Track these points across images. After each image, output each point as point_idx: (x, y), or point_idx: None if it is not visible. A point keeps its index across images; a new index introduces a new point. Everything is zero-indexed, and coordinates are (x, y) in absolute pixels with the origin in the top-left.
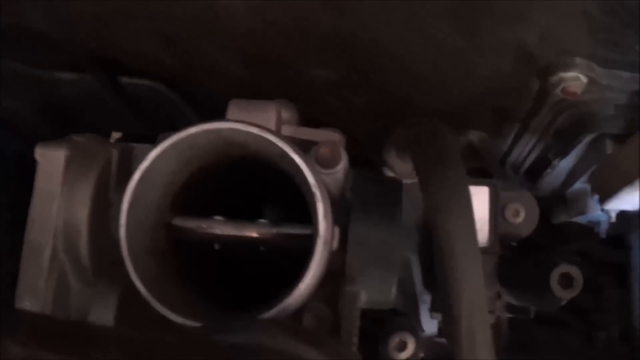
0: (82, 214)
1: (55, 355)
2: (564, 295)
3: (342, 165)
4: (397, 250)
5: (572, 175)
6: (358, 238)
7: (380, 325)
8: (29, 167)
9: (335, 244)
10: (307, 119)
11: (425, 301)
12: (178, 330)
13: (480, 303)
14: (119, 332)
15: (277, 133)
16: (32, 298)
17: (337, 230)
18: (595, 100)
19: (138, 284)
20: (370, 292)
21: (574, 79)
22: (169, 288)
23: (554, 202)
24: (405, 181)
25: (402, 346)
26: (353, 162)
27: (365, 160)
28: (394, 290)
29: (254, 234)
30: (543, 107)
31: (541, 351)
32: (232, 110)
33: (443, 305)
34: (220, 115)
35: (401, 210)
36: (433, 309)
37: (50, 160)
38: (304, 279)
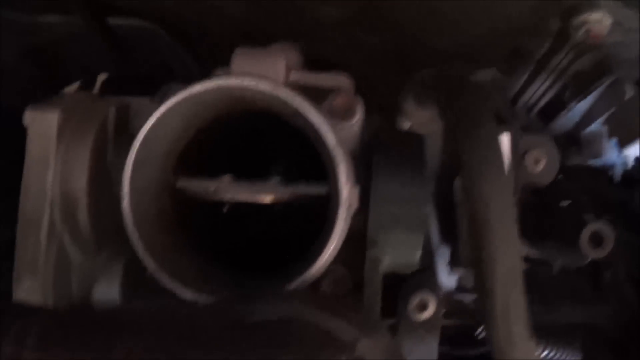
0: (80, 181)
1: (69, 353)
2: (595, 255)
3: (359, 116)
4: (422, 209)
5: (588, 117)
6: (381, 199)
7: (397, 280)
8: (18, 121)
9: (356, 204)
10: (312, 59)
11: (443, 254)
12: (197, 307)
13: (516, 277)
14: (136, 313)
15: (291, 90)
16: (31, 276)
17: (356, 190)
18: (618, 43)
19: (146, 258)
20: (394, 255)
21: (598, 20)
22: (178, 259)
23: (567, 143)
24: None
25: (423, 306)
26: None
27: (376, 104)
28: (419, 253)
29: (267, 198)
30: (563, 48)
31: (544, 290)
32: (238, 60)
33: (476, 278)
34: (217, 58)
35: (425, 167)
36: (452, 263)
37: (42, 124)
38: (325, 249)
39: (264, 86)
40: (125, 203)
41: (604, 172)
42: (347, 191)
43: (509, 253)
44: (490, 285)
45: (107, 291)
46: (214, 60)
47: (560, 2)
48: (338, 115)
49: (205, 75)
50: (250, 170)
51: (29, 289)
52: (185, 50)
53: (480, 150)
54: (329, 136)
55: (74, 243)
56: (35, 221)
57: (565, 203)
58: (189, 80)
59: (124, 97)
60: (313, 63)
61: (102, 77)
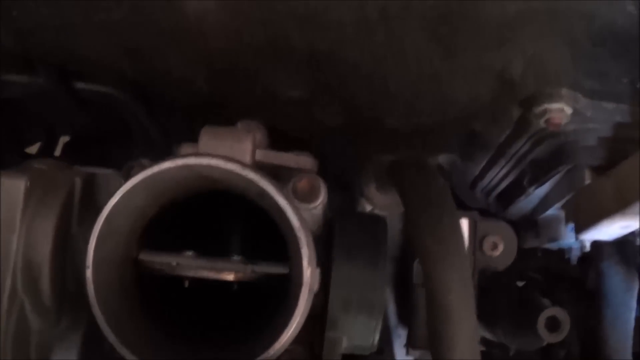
0: (43, 249)
1: None
2: (551, 339)
3: (322, 199)
4: (382, 292)
5: (546, 202)
6: (341, 282)
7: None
8: None
9: (317, 286)
10: (275, 138)
11: (399, 335)
12: None
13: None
14: None
15: (257, 172)
16: None
17: (317, 271)
18: (577, 131)
19: (106, 330)
20: (352, 337)
21: (559, 110)
22: (138, 331)
23: (524, 227)
24: (381, 213)
25: None
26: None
27: (337, 183)
28: (377, 336)
29: (229, 276)
30: (522, 135)
31: None
32: (205, 139)
33: (435, 356)
34: (182, 127)
35: (386, 249)
36: (409, 344)
37: (9, 190)
38: (286, 330)
39: (232, 167)
40: (89, 274)
41: (561, 254)
42: (309, 274)
43: (468, 339)
44: None
45: (65, 358)
46: (176, 130)
47: (520, 91)
48: (301, 197)
49: (168, 143)
50: (213, 247)
51: None
52: (148, 118)
53: (441, 234)
54: (294, 218)
55: (34, 310)
56: None
57: (520, 283)
58: (149, 146)
59: (91, 168)
60: (277, 139)
61: (64, 140)
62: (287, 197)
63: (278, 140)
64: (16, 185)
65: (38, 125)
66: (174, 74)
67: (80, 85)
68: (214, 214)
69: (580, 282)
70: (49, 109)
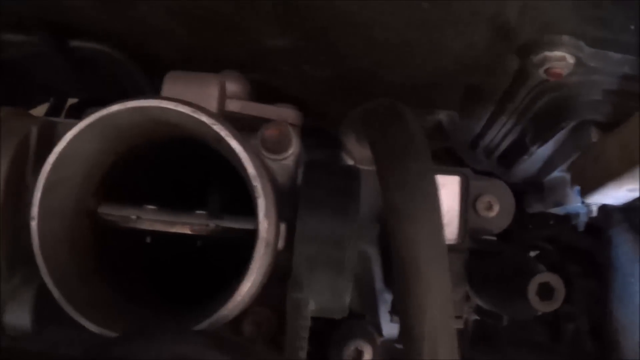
0: None
1: None
2: (544, 308)
3: (293, 150)
4: (352, 249)
5: (551, 163)
6: (306, 236)
7: (332, 326)
8: None
9: (281, 243)
10: (261, 92)
11: (385, 301)
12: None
13: (445, 324)
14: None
15: (212, 113)
16: None
17: (283, 227)
18: (581, 84)
19: (50, 284)
20: (319, 299)
21: (560, 59)
22: (88, 288)
23: (529, 190)
24: (364, 168)
25: (358, 355)
26: (315, 142)
27: (327, 141)
28: (347, 298)
29: (187, 230)
30: (522, 88)
31: (505, 345)
32: (168, 84)
33: (403, 323)
34: None
35: (358, 203)
36: (394, 310)
37: None
38: (240, 287)
39: (182, 108)
40: (34, 225)
41: (567, 220)
42: (266, 226)
43: (440, 302)
44: (418, 333)
45: (18, 316)
46: None
47: (517, 38)
48: (269, 147)
49: None
50: (180, 203)
51: None
52: (140, 75)
53: (408, 185)
54: (249, 165)
55: None
56: None
57: (533, 254)
58: None
59: (53, 118)
60: (264, 95)
61: (71, 102)
62: (243, 143)
63: (266, 96)
64: None
65: (38, 88)
66: (152, 22)
67: (74, 43)
68: (182, 169)
69: (591, 253)
70: (47, 70)
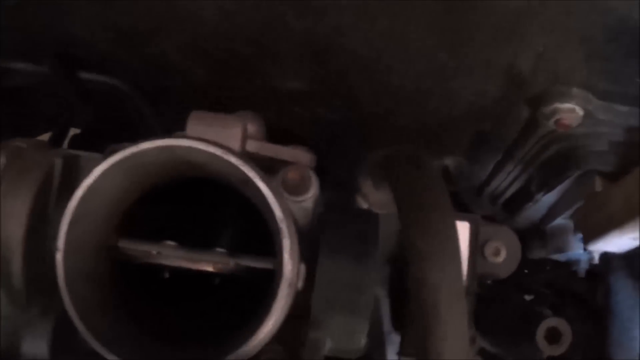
0: (16, 231)
1: None
2: (551, 352)
3: (313, 192)
4: (369, 294)
5: (555, 210)
6: (326, 280)
7: None
8: None
9: (301, 284)
10: (273, 132)
11: (393, 342)
12: None
13: None
14: None
15: (241, 155)
16: None
17: (303, 267)
18: (588, 135)
19: (75, 317)
20: (336, 339)
21: (570, 110)
22: (109, 321)
23: (531, 236)
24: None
25: None
26: (322, 183)
27: (335, 181)
28: (364, 339)
29: (209, 268)
30: (531, 137)
31: None
32: (192, 123)
33: None
34: (182, 120)
35: (378, 248)
36: (402, 352)
37: None
38: (263, 326)
39: (213, 149)
40: (59, 257)
41: (567, 266)
42: (290, 267)
43: (457, 348)
44: None
45: (36, 346)
46: (177, 123)
47: (529, 88)
48: (290, 189)
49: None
50: (197, 240)
51: None
52: (149, 110)
53: (430, 230)
54: (276, 207)
55: (4, 293)
56: None
57: (529, 297)
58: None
59: (75, 151)
60: (275, 135)
61: (73, 131)
62: (270, 185)
63: (278, 136)
64: None
65: (43, 118)
66: (170, 58)
67: (84, 75)
68: (200, 206)
69: (588, 298)
70: (53, 100)
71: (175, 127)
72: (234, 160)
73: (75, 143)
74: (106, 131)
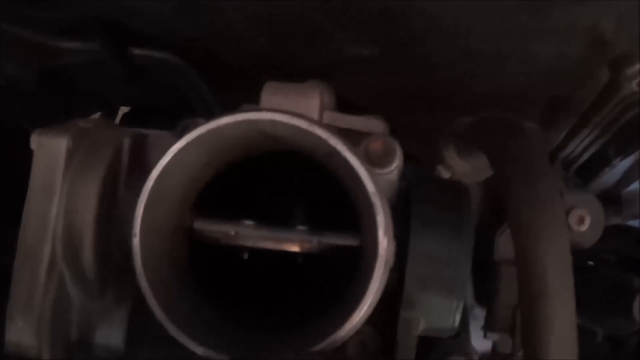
0: (86, 215)
1: None
2: None
3: (397, 163)
4: (465, 270)
5: (630, 175)
6: (419, 256)
7: (426, 344)
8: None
9: (392, 261)
10: (339, 104)
11: (476, 317)
12: None
13: (571, 347)
14: None
15: (328, 127)
16: (25, 315)
17: (393, 245)
18: None
19: (153, 303)
20: (430, 319)
21: None
22: (188, 307)
23: (606, 202)
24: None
25: None
26: None
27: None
28: (457, 318)
29: (294, 247)
30: (610, 100)
31: None
32: (268, 94)
33: (526, 345)
34: (240, 93)
35: (471, 221)
36: (487, 327)
37: (50, 150)
38: (359, 307)
39: (298, 122)
40: (136, 242)
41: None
42: (385, 245)
43: (566, 320)
44: (544, 355)
45: (110, 337)
46: (234, 97)
47: (611, 50)
48: (375, 161)
49: (224, 111)
50: (274, 217)
51: (22, 331)
52: (205, 84)
53: (540, 203)
54: (368, 181)
55: (75, 282)
56: (34, 253)
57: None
58: (208, 115)
59: (142, 129)
60: (341, 107)
61: (123, 110)
62: (359, 157)
63: (344, 109)
64: (57, 145)
65: (92, 97)
66: (234, 29)
67: (135, 51)
68: (276, 181)
69: None
70: (103, 79)
71: (234, 101)
72: (320, 132)
73: (125, 122)
74: (157, 109)
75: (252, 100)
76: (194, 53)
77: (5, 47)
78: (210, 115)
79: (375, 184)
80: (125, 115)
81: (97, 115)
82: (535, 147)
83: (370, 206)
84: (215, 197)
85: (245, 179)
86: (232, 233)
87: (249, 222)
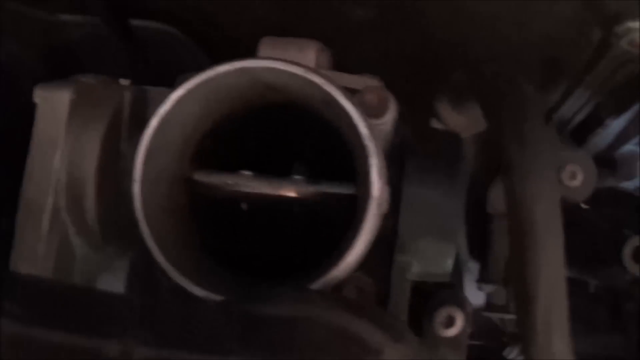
0: (88, 166)
1: (58, 333)
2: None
3: (391, 114)
4: (458, 216)
5: (624, 136)
6: (413, 201)
7: (421, 296)
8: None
9: (386, 205)
10: (338, 69)
11: (470, 270)
12: (204, 302)
13: (560, 288)
14: (137, 302)
15: (322, 73)
16: (29, 265)
17: (387, 190)
18: None
19: (155, 250)
20: (423, 263)
21: None
22: (189, 254)
23: (600, 164)
24: None
25: (450, 322)
26: None
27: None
28: (450, 262)
29: (290, 193)
30: (602, 60)
31: None
32: (265, 48)
33: (517, 287)
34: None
35: (465, 169)
36: (481, 279)
37: (52, 104)
38: (352, 247)
39: (294, 69)
40: (136, 189)
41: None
42: (377, 186)
43: (555, 262)
44: (533, 294)
45: (111, 287)
46: None
47: (604, 8)
48: (369, 111)
49: None
50: (272, 169)
51: None
52: (206, 57)
53: (531, 146)
54: (362, 125)
55: (78, 233)
56: (37, 206)
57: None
58: None
59: (142, 86)
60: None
61: (124, 83)
62: (354, 103)
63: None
64: (60, 99)
65: (93, 70)
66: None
67: (136, 22)
68: (274, 136)
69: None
70: (104, 54)
71: None
72: (316, 79)
73: None
74: (157, 82)
75: None
76: (193, 24)
77: (5, 23)
78: None
79: (369, 128)
80: None
81: None
82: (531, 96)
83: (363, 149)
84: (214, 150)
85: (244, 133)
86: (231, 183)
87: (246, 173)
